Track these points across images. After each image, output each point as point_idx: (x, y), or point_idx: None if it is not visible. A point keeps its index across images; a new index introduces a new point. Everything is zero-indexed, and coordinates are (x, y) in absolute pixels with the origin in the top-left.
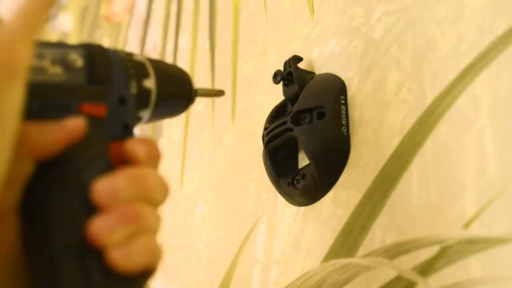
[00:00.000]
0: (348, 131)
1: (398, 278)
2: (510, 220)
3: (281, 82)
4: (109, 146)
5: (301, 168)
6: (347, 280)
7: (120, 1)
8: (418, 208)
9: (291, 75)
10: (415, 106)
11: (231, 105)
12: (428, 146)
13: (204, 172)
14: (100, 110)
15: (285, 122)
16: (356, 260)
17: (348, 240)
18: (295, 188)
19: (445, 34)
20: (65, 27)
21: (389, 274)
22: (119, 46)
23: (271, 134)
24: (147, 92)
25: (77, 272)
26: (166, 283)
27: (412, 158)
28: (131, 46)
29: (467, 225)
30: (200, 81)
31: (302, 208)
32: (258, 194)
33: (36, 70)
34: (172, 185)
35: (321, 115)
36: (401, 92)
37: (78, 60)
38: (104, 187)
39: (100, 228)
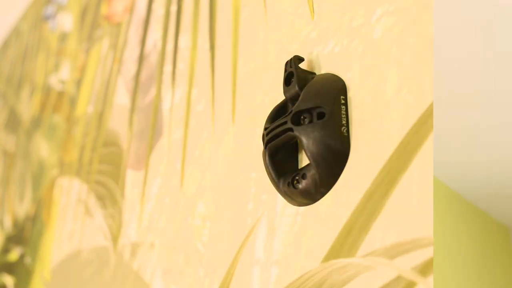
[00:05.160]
0: (348, 131)
1: (398, 278)
2: None
3: (282, 82)
4: None
5: (301, 168)
6: (347, 280)
7: (120, 1)
8: (418, 208)
9: (292, 75)
10: (415, 106)
11: (231, 105)
12: (428, 146)
13: (204, 172)
14: None
15: (285, 122)
16: (356, 260)
17: (348, 240)
18: (295, 188)
19: None
20: (65, 27)
21: (389, 274)
22: (119, 46)
23: (271, 134)
24: None
25: None
26: (166, 283)
27: (412, 158)
28: (131, 46)
29: None
30: (200, 81)
31: (302, 208)
32: (258, 194)
33: None
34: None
35: (321, 115)
36: (401, 92)
37: None
38: None
39: None
